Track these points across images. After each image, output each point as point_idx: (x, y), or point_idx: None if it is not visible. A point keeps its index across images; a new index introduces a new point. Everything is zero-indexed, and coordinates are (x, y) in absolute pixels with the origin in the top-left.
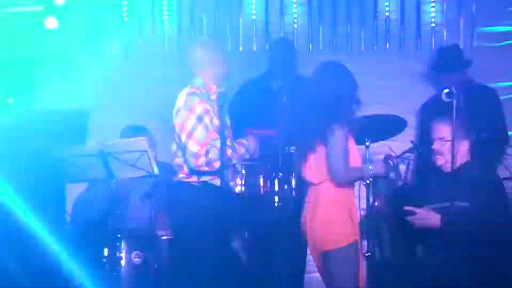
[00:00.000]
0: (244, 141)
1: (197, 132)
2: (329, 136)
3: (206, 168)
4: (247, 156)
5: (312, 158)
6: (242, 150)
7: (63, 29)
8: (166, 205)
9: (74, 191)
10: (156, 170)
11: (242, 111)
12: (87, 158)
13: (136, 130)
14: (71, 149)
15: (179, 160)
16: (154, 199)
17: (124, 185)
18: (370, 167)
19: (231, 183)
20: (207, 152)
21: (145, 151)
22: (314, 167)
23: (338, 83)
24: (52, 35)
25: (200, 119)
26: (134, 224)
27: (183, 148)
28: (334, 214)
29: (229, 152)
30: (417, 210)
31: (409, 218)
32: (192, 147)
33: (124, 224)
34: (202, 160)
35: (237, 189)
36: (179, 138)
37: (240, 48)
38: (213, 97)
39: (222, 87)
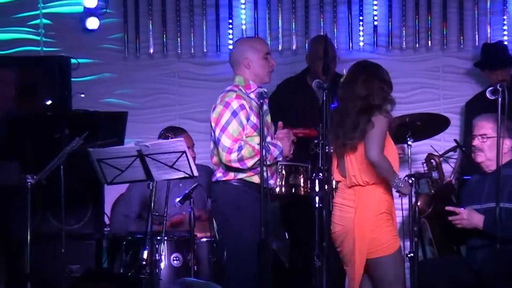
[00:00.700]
0: (278, 142)
1: (230, 127)
2: (369, 129)
3: (238, 165)
4: (280, 159)
5: (353, 158)
6: (276, 152)
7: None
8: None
9: (112, 193)
10: (195, 171)
11: (281, 110)
12: (125, 159)
13: (175, 131)
14: (109, 150)
15: (216, 158)
16: (193, 200)
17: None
18: (400, 180)
19: (271, 181)
20: (240, 148)
21: (184, 151)
22: (358, 168)
23: (375, 80)
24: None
25: (234, 114)
26: (173, 226)
27: (216, 142)
28: (383, 220)
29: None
30: (458, 210)
31: (451, 218)
32: (225, 141)
33: (163, 226)
34: (234, 156)
35: (277, 190)
36: (214, 133)
37: (280, 47)
38: (253, 95)
39: (262, 86)
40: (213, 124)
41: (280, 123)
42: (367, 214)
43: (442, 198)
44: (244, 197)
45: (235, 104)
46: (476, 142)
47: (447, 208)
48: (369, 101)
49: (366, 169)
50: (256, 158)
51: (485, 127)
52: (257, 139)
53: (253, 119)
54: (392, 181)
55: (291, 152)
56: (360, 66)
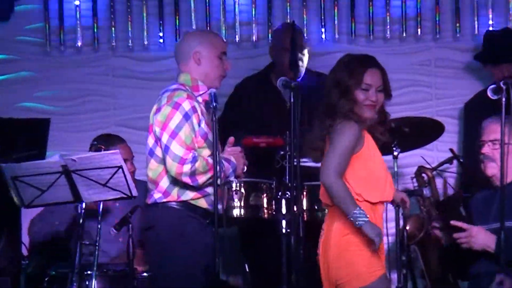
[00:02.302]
0: (231, 158)
1: (182, 132)
2: (332, 136)
3: (188, 180)
4: (231, 178)
5: None
6: (229, 169)
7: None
8: (144, 234)
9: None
10: (134, 191)
11: (239, 115)
12: (47, 176)
13: (108, 141)
14: (28, 166)
15: (151, 174)
16: (131, 227)
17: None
18: (360, 214)
19: (219, 206)
20: (194, 159)
21: (120, 166)
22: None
23: (342, 74)
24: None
25: (187, 117)
26: (107, 258)
27: (164, 150)
28: (350, 244)
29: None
30: (466, 226)
31: (456, 235)
32: (176, 149)
33: (94, 258)
34: (187, 168)
35: (235, 212)
36: (159, 140)
37: (237, 38)
38: (201, 99)
39: (214, 87)
40: (157, 129)
41: (231, 139)
42: (330, 238)
43: (448, 210)
44: (188, 222)
45: (186, 106)
46: (486, 149)
47: (453, 222)
48: (330, 101)
49: None
50: (209, 175)
51: (496, 131)
52: (206, 152)
53: (204, 126)
54: (348, 214)
55: (244, 171)
56: (343, 57)
